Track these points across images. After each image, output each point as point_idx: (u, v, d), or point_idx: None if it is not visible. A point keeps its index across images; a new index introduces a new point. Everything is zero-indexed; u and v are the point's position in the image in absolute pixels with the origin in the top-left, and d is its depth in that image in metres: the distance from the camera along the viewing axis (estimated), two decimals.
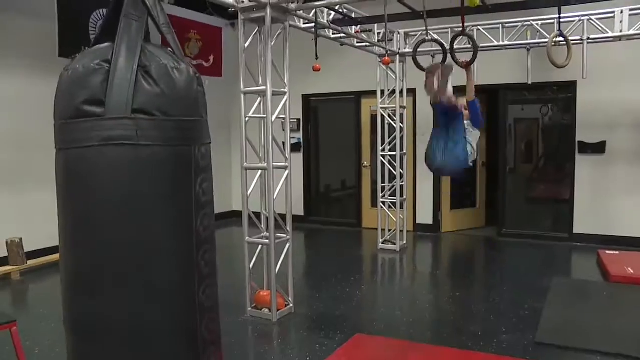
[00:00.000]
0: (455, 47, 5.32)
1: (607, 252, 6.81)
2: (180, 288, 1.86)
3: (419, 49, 6.17)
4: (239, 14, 4.85)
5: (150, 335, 1.80)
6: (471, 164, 4.99)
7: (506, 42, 7.07)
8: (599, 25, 6.52)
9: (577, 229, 7.88)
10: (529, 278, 6.10)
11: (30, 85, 6.75)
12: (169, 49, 1.90)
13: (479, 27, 7.11)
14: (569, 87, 7.84)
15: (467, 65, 5.07)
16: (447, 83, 4.70)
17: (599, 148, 7.66)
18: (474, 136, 5.11)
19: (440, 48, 5.88)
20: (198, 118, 1.88)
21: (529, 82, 7.09)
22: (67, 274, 1.84)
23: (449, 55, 5.41)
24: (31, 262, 6.56)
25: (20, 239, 6.46)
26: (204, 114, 1.94)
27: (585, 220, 7.81)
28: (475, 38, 7.12)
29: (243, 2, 4.77)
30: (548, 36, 6.32)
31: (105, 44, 1.83)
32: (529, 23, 6.91)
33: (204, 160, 1.91)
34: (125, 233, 1.75)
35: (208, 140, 1.96)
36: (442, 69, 4.75)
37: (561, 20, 5.62)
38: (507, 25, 7.06)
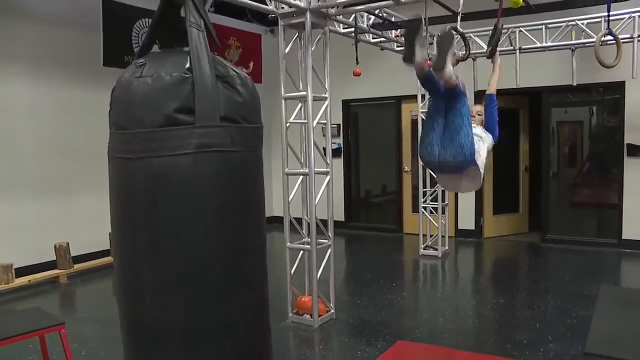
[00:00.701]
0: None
1: None
2: (261, 284, 2.01)
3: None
4: (279, 19, 4.87)
5: (239, 329, 1.90)
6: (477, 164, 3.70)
7: (549, 43, 6.92)
8: None
9: (626, 235, 7.62)
10: (575, 285, 5.93)
11: (76, 94, 6.94)
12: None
13: (521, 29, 6.98)
14: (617, 88, 7.61)
15: (492, 53, 4.60)
16: (446, 55, 3.43)
17: None
18: (484, 142, 4.02)
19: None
20: (262, 124, 2.00)
21: (574, 84, 6.91)
22: (146, 283, 1.82)
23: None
24: (77, 266, 6.72)
25: (67, 244, 6.63)
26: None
27: (636, 225, 7.55)
28: (517, 40, 7.03)
29: (283, 8, 4.79)
30: (594, 35, 6.16)
31: (174, 52, 1.88)
32: (573, 23, 6.74)
33: (262, 164, 2.06)
34: (221, 236, 1.82)
35: None
36: (440, 37, 3.54)
37: (610, 17, 5.44)
38: (550, 25, 6.90)
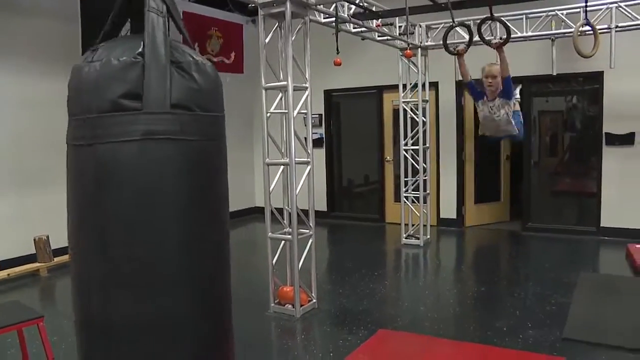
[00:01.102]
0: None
1: (637, 245, 6.66)
2: (219, 277, 1.93)
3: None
4: (259, 9, 4.84)
5: (192, 327, 1.83)
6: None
7: (530, 33, 6.95)
8: (628, 12, 6.35)
9: (604, 223, 7.73)
10: (555, 273, 6.00)
11: (55, 86, 6.81)
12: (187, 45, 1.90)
13: (502, 18, 6.97)
14: (596, 78, 7.68)
15: (500, 46, 5.04)
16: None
17: (627, 139, 7.50)
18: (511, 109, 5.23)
19: (467, 34, 5.77)
20: (223, 113, 1.93)
21: (554, 74, 6.96)
22: (98, 274, 1.76)
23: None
24: (58, 259, 6.65)
25: (47, 237, 6.56)
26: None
27: (614, 213, 7.66)
28: (498, 30, 7.05)
29: None
30: (573, 26, 6.20)
31: (130, 38, 1.82)
32: (553, 13, 6.78)
33: (226, 154, 1.98)
34: (169, 226, 1.75)
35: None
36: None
37: (588, 8, 5.49)
38: (530, 15, 6.94)
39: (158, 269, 1.74)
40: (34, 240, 6.49)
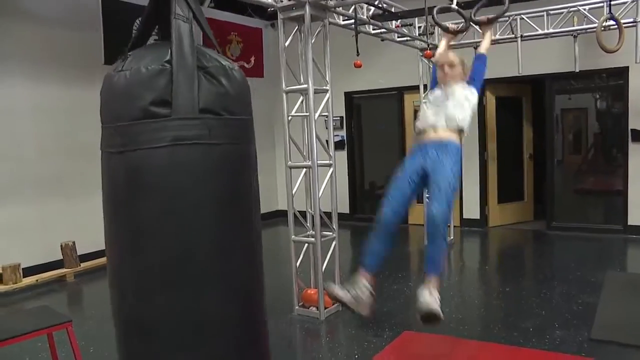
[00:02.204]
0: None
1: None
2: (251, 278, 1.94)
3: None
4: (278, 13, 4.86)
5: (226, 327, 1.86)
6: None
7: (551, 30, 6.87)
8: None
9: (632, 221, 7.60)
10: (581, 272, 5.92)
11: (78, 93, 6.94)
12: (215, 50, 1.92)
13: (523, 16, 6.93)
14: (621, 74, 7.57)
15: (489, 23, 4.20)
16: None
17: None
18: (470, 105, 3.80)
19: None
20: (251, 116, 1.94)
21: (577, 70, 6.87)
22: (131, 275, 1.81)
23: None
24: (84, 265, 6.76)
25: (74, 243, 6.67)
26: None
27: None
28: (519, 27, 6.98)
29: (282, 1, 4.78)
30: (596, 21, 6.11)
31: (158, 45, 1.85)
32: (575, 8, 6.69)
33: (255, 157, 2.00)
34: (200, 229, 1.77)
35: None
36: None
37: (612, 2, 5.40)
38: (551, 12, 6.86)
39: (189, 271, 1.76)
40: (61, 246, 6.60)
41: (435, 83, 3.99)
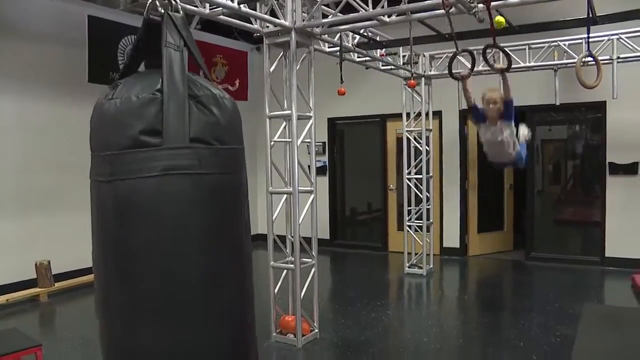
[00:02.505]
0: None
1: None
2: (240, 311, 1.90)
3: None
4: (264, 38, 4.89)
5: (218, 355, 1.83)
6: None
7: (532, 63, 7.01)
8: (629, 44, 6.42)
9: (609, 253, 7.68)
10: (559, 303, 5.94)
11: (61, 110, 6.89)
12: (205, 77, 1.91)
13: (505, 48, 7.03)
14: (599, 108, 7.71)
15: (503, 71, 5.07)
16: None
17: (631, 169, 7.49)
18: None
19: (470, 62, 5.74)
20: (242, 145, 1.92)
21: (557, 103, 6.99)
22: (119, 304, 1.78)
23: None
24: (59, 285, 6.62)
25: (49, 262, 6.54)
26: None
27: (618, 243, 7.61)
28: (501, 59, 7.09)
29: (268, 27, 4.81)
30: (576, 56, 6.24)
31: (149, 73, 1.84)
32: (555, 43, 6.84)
33: (246, 186, 1.97)
34: (190, 260, 1.74)
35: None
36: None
37: (590, 39, 5.54)
38: (533, 46, 7.00)
39: (179, 301, 1.74)
40: (35, 265, 6.47)
41: (480, 116, 5.27)
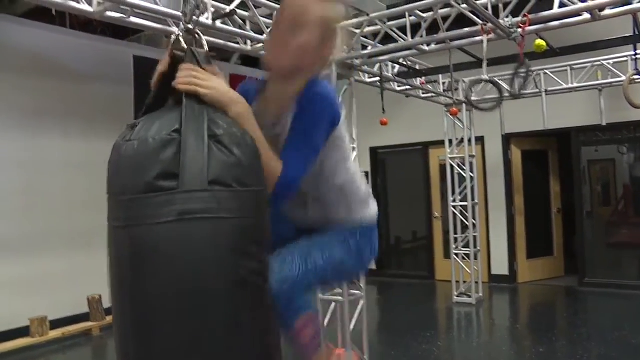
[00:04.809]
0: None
1: None
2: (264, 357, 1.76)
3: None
4: None
5: None
6: None
7: (576, 84, 6.89)
8: None
9: None
10: (619, 332, 5.69)
11: (107, 148, 6.96)
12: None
13: (546, 71, 6.97)
14: None
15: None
16: None
17: None
18: None
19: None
20: (264, 187, 1.75)
21: (604, 124, 6.83)
22: (135, 355, 1.66)
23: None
24: (110, 318, 6.73)
25: (100, 296, 6.67)
26: None
27: None
28: (543, 82, 7.01)
29: None
30: (621, 74, 6.11)
31: (169, 111, 1.75)
32: (599, 63, 6.70)
33: (269, 229, 1.78)
34: (210, 310, 1.62)
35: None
36: None
37: (637, 57, 5.42)
38: (575, 67, 6.88)
39: (198, 354, 1.62)
40: (88, 299, 6.60)
41: None
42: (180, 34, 1.78)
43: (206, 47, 1.80)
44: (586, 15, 4.24)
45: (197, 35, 1.79)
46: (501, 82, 7.07)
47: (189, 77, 1.64)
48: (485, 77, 4.63)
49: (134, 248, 1.64)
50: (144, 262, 1.62)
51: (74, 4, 3.62)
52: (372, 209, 2.12)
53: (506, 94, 5.10)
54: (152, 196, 1.60)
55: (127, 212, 1.65)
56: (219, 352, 1.65)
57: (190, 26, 1.78)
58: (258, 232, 1.73)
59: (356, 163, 2.00)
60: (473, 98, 7.58)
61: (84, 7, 3.66)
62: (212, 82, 1.66)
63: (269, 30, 1.85)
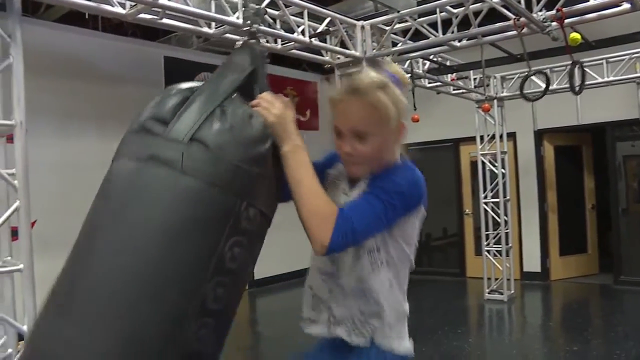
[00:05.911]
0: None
1: None
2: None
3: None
4: (335, 69, 4.96)
5: None
6: None
7: (612, 78, 6.73)
8: None
9: None
10: None
11: None
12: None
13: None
14: None
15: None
16: None
17: None
18: None
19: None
20: (252, 168, 1.58)
21: None
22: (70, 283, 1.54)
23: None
24: None
25: None
26: (270, 177, 1.66)
27: None
28: (577, 76, 6.88)
29: (339, 58, 4.89)
30: None
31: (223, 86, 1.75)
32: (637, 55, 6.54)
33: (249, 225, 1.59)
34: (134, 256, 1.49)
35: (263, 208, 1.64)
36: None
37: None
38: (611, 60, 6.73)
39: (120, 298, 1.47)
40: None
41: None
42: (244, 39, 1.89)
43: (266, 52, 1.85)
44: (625, 5, 4.13)
45: (258, 40, 1.87)
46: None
47: (264, 102, 1.67)
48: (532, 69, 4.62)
49: (107, 176, 1.70)
50: (103, 194, 1.66)
51: (107, 7, 3.69)
52: (407, 343, 1.80)
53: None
54: (139, 135, 1.64)
55: (120, 146, 1.73)
56: (142, 299, 1.47)
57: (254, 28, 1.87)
58: (218, 208, 1.54)
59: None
60: (505, 94, 7.52)
61: (117, 9, 3.73)
62: (279, 111, 1.65)
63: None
